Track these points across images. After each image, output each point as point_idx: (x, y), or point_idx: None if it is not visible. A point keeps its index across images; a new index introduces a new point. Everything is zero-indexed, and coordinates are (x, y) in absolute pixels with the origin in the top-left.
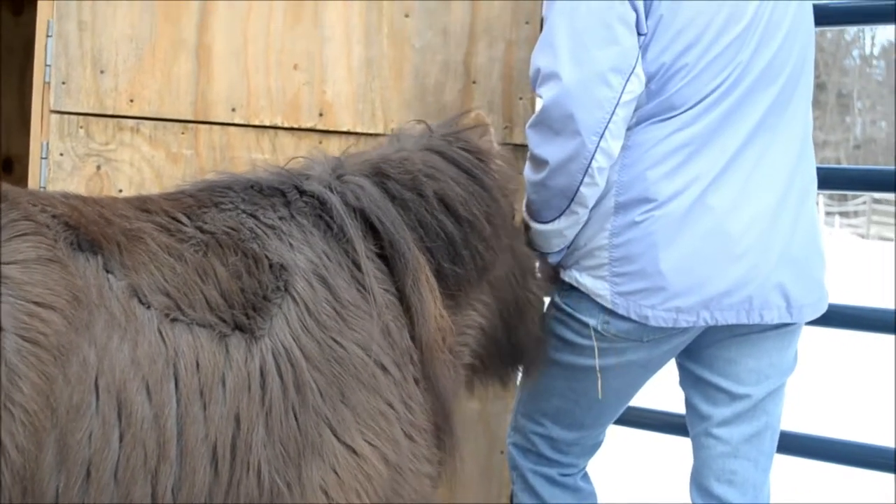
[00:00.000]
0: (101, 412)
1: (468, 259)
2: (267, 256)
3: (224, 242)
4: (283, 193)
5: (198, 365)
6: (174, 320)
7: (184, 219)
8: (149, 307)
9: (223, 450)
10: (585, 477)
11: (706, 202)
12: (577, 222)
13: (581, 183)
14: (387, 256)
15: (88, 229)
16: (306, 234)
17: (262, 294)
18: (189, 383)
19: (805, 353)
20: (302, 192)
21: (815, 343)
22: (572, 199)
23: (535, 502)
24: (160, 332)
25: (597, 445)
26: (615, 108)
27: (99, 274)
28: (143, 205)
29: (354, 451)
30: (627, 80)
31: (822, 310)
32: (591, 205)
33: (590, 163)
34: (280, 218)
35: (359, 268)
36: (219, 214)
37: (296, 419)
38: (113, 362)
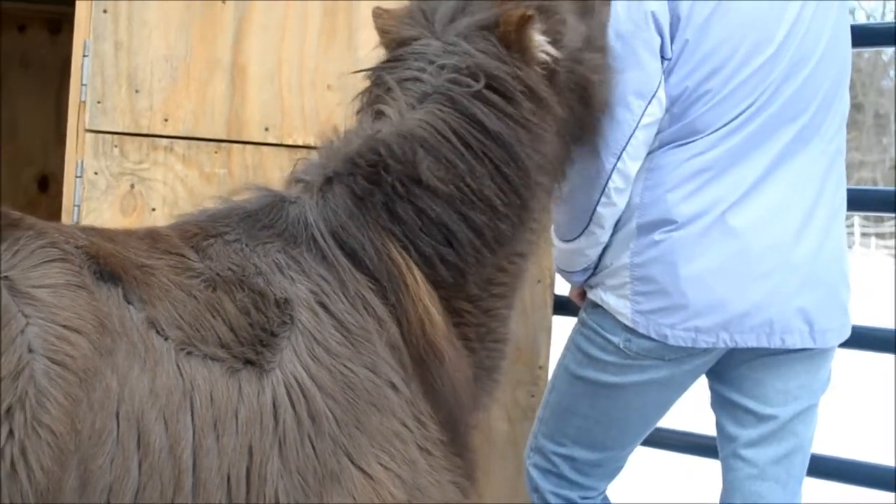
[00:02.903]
0: (121, 440)
1: (466, 242)
2: (272, 291)
3: (230, 279)
4: (273, 224)
5: (212, 398)
6: (189, 354)
7: (192, 254)
8: (166, 339)
9: (237, 481)
10: (606, 500)
11: (727, 223)
12: (597, 242)
13: (598, 203)
14: None
15: (108, 261)
16: (302, 264)
17: (269, 330)
18: (204, 416)
19: None
20: (291, 221)
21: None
22: (590, 219)
23: None
24: (177, 365)
25: (619, 469)
26: (634, 130)
27: (121, 304)
28: (153, 242)
29: (370, 476)
30: (648, 104)
31: (846, 335)
32: (608, 226)
33: (606, 183)
34: (277, 251)
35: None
36: (224, 247)
37: (313, 448)
38: (133, 391)
